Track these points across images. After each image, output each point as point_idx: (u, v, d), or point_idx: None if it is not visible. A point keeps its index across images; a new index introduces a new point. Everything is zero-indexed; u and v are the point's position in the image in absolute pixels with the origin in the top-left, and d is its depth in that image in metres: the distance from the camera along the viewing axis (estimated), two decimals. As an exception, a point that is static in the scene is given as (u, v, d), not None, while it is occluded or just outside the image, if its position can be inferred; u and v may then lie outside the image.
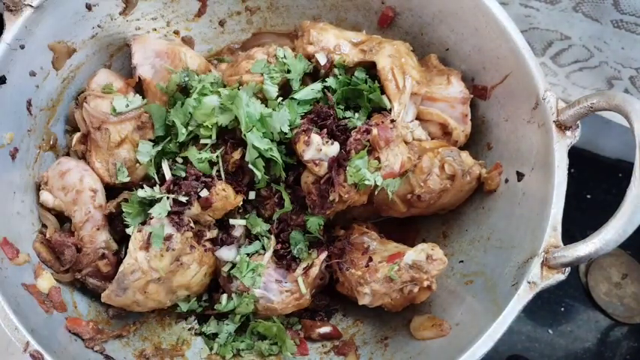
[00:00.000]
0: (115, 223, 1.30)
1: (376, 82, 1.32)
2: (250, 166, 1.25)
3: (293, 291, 1.27)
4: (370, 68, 1.35)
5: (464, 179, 1.28)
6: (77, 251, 1.26)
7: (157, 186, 1.23)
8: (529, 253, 1.13)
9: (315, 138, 1.20)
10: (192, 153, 1.26)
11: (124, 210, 1.22)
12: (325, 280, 1.35)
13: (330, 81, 1.33)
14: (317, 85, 1.32)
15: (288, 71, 1.33)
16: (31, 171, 1.29)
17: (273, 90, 1.29)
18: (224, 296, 1.33)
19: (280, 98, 1.31)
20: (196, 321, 1.38)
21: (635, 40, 1.49)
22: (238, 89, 1.29)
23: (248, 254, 1.29)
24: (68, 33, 1.29)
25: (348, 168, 1.18)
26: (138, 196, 1.20)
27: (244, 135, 1.23)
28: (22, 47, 1.19)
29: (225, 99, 1.24)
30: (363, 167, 1.18)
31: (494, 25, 1.27)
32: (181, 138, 1.27)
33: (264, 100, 1.30)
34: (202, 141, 1.27)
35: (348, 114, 1.30)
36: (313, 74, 1.38)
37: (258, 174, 1.25)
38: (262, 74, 1.31)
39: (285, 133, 1.24)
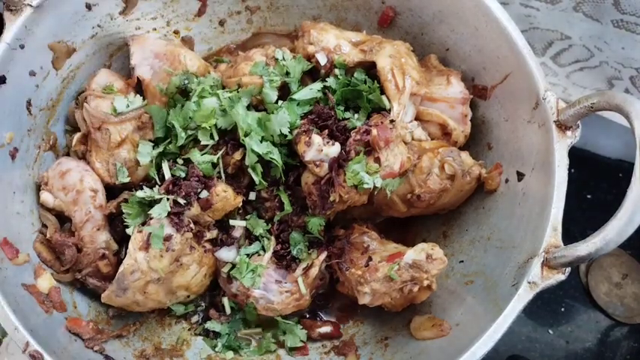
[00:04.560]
0: (115, 224, 1.30)
1: (376, 82, 1.32)
2: (249, 170, 1.25)
3: (293, 291, 1.27)
4: (370, 68, 1.35)
5: (464, 179, 1.28)
6: (77, 251, 1.26)
7: (157, 186, 1.24)
8: (529, 253, 1.13)
9: (316, 139, 1.20)
10: (195, 155, 1.26)
11: (123, 210, 1.22)
12: (325, 281, 1.35)
13: (330, 81, 1.33)
14: (316, 85, 1.32)
15: (287, 73, 1.33)
16: (31, 171, 1.29)
17: (272, 94, 1.29)
18: (225, 299, 1.34)
19: (280, 101, 1.31)
20: (201, 318, 1.38)
21: (636, 40, 1.49)
22: (237, 91, 1.29)
23: (248, 255, 1.29)
24: (68, 33, 1.29)
25: (346, 172, 1.19)
26: (137, 197, 1.20)
27: (242, 140, 1.23)
28: (22, 47, 1.19)
29: (225, 102, 1.25)
30: (362, 171, 1.19)
31: (495, 25, 1.26)
32: (180, 141, 1.27)
33: (264, 103, 1.30)
34: (203, 142, 1.27)
35: (348, 114, 1.30)
36: (313, 74, 1.38)
37: (257, 179, 1.26)
38: (261, 76, 1.31)
39: (285, 135, 1.25)
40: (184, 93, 1.32)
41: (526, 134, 1.25)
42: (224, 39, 1.55)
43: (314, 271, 1.27)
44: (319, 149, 1.19)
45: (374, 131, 1.19)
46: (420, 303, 1.28)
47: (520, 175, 1.26)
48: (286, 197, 1.29)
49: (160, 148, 1.30)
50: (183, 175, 1.25)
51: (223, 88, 1.34)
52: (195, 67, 1.36)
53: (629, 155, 1.01)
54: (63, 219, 1.30)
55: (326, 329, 1.38)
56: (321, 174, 1.21)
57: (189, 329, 1.38)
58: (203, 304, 1.40)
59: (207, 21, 1.51)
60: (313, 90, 1.31)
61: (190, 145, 1.29)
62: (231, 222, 1.30)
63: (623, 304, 1.67)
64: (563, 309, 1.66)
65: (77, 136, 1.33)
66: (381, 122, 1.22)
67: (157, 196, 1.20)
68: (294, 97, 1.30)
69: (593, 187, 1.77)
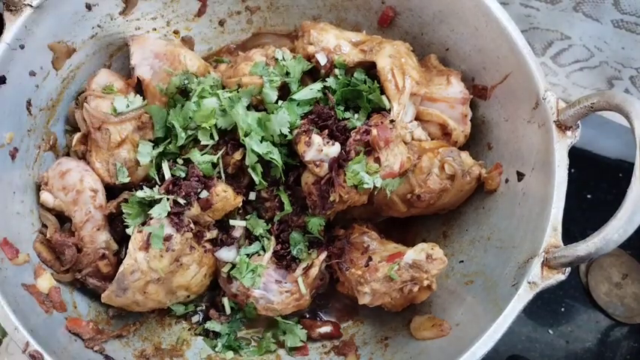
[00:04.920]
0: (115, 224, 1.30)
1: (376, 82, 1.32)
2: (249, 170, 1.25)
3: (293, 291, 1.27)
4: (370, 68, 1.35)
5: (464, 179, 1.28)
6: (77, 251, 1.26)
7: (157, 186, 1.24)
8: (529, 253, 1.13)
9: (316, 139, 1.20)
10: (195, 155, 1.26)
11: (123, 210, 1.22)
12: (325, 281, 1.35)
13: (330, 81, 1.33)
14: (316, 85, 1.32)
15: (287, 73, 1.33)
16: (31, 171, 1.29)
17: (272, 94, 1.29)
18: (225, 299, 1.34)
19: (280, 101, 1.31)
20: (201, 318, 1.39)
21: (636, 39, 1.49)
22: (237, 91, 1.29)
23: (248, 255, 1.29)
24: (68, 33, 1.29)
25: (346, 172, 1.19)
26: (137, 197, 1.20)
27: (242, 140, 1.23)
28: (22, 47, 1.19)
29: (225, 102, 1.25)
30: (362, 171, 1.19)
31: (495, 25, 1.26)
32: (180, 141, 1.27)
33: (264, 103, 1.30)
34: (203, 142, 1.27)
35: (348, 114, 1.30)
36: (313, 74, 1.38)
37: (257, 179, 1.26)
38: (261, 76, 1.31)
39: (285, 135, 1.25)
40: (184, 93, 1.32)
41: (526, 134, 1.25)
42: (224, 39, 1.55)
43: (314, 271, 1.27)
44: (319, 149, 1.19)
45: (374, 131, 1.19)
46: (420, 303, 1.28)
47: (520, 175, 1.26)
48: (286, 197, 1.29)
49: (160, 148, 1.30)
50: (183, 175, 1.25)
51: (223, 88, 1.34)
52: (195, 67, 1.36)
53: (629, 155, 1.01)
54: (63, 219, 1.30)
55: (326, 329, 1.38)
56: (321, 174, 1.21)
57: (189, 329, 1.38)
58: (203, 304, 1.40)
59: (207, 21, 1.51)
60: (313, 90, 1.31)
61: (190, 145, 1.29)
62: (231, 222, 1.30)
63: (623, 304, 1.66)
64: (563, 309, 1.66)
65: (77, 136, 1.33)
66: (381, 122, 1.22)
67: (157, 196, 1.20)
68: (294, 97, 1.30)
69: (593, 187, 1.77)
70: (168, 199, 1.19)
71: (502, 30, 1.26)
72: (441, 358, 1.16)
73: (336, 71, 1.34)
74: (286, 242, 1.30)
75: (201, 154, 1.26)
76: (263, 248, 1.30)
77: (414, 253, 1.20)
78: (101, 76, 1.34)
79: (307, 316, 1.41)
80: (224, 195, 1.24)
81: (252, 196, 1.31)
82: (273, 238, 1.30)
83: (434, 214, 1.40)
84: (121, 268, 1.18)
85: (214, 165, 1.27)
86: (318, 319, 1.41)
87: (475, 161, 1.32)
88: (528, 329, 1.62)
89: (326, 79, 1.34)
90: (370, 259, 1.23)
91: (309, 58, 1.37)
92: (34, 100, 1.26)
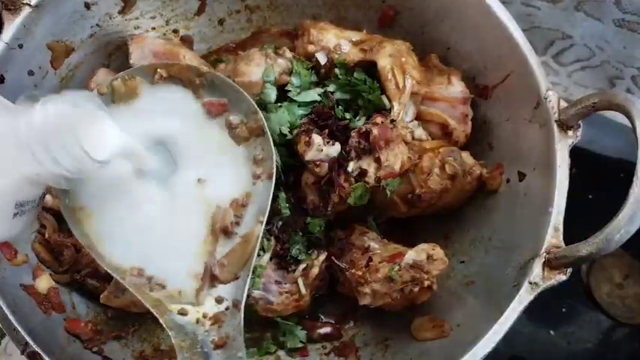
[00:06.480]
0: (113, 224, 1.29)
1: (376, 81, 1.31)
2: None
3: (292, 292, 1.26)
4: (371, 67, 1.35)
5: (464, 179, 1.28)
6: (76, 252, 1.25)
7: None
8: (530, 254, 1.13)
9: (317, 138, 1.19)
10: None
11: (122, 210, 1.21)
12: (325, 281, 1.35)
13: (331, 87, 1.32)
14: (317, 90, 1.31)
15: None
16: (30, 171, 1.28)
17: (272, 94, 1.29)
18: (225, 300, 1.33)
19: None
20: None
21: (637, 39, 1.49)
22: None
23: (247, 255, 1.28)
24: (67, 32, 1.28)
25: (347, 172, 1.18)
26: (136, 197, 1.20)
27: None
28: (21, 46, 1.18)
29: None
30: None
31: (496, 24, 1.26)
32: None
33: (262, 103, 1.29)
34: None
35: (348, 115, 1.30)
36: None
37: None
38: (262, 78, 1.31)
39: (285, 135, 1.24)
40: (183, 93, 1.32)
41: (527, 134, 1.24)
42: (223, 38, 1.54)
43: (314, 272, 1.26)
44: (319, 149, 1.19)
45: (375, 131, 1.19)
46: (420, 304, 1.27)
47: (521, 175, 1.25)
48: (284, 200, 1.28)
49: (159, 148, 1.29)
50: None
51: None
52: (195, 67, 1.35)
53: (631, 155, 1.01)
54: (61, 219, 1.29)
55: (326, 330, 1.37)
56: (321, 174, 1.21)
57: (188, 330, 1.38)
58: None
59: (207, 20, 1.51)
60: (314, 92, 1.31)
61: (189, 145, 1.28)
62: (231, 222, 1.30)
63: (624, 305, 1.66)
64: (564, 309, 1.65)
65: (76, 135, 1.33)
66: (382, 122, 1.21)
67: (156, 196, 1.19)
68: (295, 98, 1.29)
69: (594, 187, 1.76)
70: (167, 199, 1.19)
71: (503, 29, 1.25)
72: (442, 359, 1.16)
73: (336, 70, 1.34)
74: (286, 242, 1.30)
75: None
76: (263, 249, 1.29)
77: (415, 254, 1.19)
78: (100, 75, 1.34)
79: (307, 317, 1.40)
80: (223, 195, 1.23)
81: (252, 196, 1.31)
82: (273, 238, 1.30)
83: (434, 215, 1.39)
84: (119, 269, 1.17)
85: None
86: (318, 320, 1.41)
87: (476, 161, 1.31)
88: (529, 330, 1.62)
89: (327, 85, 1.33)
90: (370, 259, 1.23)
91: (309, 57, 1.36)
92: (33, 99, 1.26)
